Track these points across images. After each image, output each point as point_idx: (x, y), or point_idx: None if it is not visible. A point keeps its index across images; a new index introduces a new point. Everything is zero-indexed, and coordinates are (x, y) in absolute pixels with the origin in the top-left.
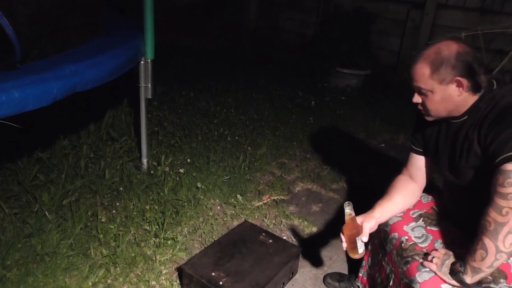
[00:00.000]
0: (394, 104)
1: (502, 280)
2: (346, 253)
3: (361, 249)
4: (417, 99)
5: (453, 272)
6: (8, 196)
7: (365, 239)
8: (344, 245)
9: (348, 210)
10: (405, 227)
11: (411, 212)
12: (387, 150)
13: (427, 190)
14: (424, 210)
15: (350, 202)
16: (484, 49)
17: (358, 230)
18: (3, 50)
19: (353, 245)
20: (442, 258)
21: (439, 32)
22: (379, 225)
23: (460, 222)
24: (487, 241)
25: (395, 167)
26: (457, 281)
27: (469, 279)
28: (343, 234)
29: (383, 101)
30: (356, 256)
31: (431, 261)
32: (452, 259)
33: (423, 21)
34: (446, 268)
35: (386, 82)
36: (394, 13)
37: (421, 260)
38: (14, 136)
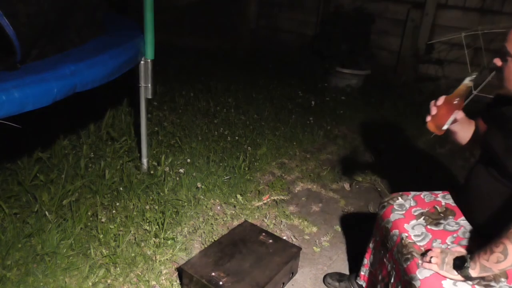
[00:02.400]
0: (394, 104)
1: (503, 279)
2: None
3: (446, 125)
4: (497, 62)
5: (459, 267)
6: (8, 196)
7: (460, 115)
8: (433, 111)
9: (469, 81)
10: (405, 225)
11: (412, 210)
12: (387, 150)
13: (437, 187)
14: (426, 209)
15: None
16: (484, 49)
17: (460, 104)
18: (3, 50)
19: (445, 116)
20: (440, 257)
21: (439, 32)
22: (381, 223)
23: (479, 220)
24: (510, 247)
25: (395, 167)
26: (463, 276)
27: (475, 274)
28: (439, 103)
29: (383, 101)
30: (437, 131)
31: (430, 261)
32: (450, 255)
33: (423, 21)
34: (448, 266)
35: (386, 82)
36: (394, 13)
37: (420, 259)
38: (14, 136)
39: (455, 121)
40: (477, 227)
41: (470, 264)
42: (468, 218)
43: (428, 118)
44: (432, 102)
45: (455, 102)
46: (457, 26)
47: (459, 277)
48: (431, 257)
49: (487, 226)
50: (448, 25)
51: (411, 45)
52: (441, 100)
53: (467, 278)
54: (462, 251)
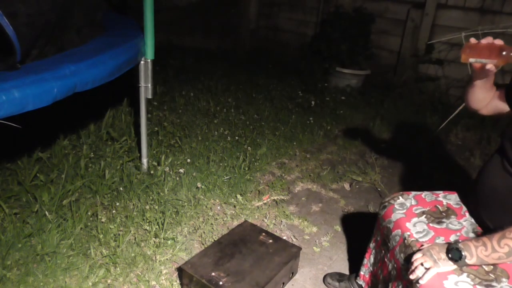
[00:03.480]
0: (394, 104)
1: (504, 280)
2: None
3: (474, 60)
4: None
5: (456, 260)
6: (8, 196)
7: (491, 68)
8: (484, 41)
9: None
10: (407, 224)
11: (413, 208)
12: (387, 150)
13: (437, 187)
14: (428, 208)
15: None
16: None
17: (505, 59)
18: (3, 50)
19: (484, 54)
20: (429, 258)
21: (439, 32)
22: (382, 223)
23: (488, 217)
24: None
25: (395, 167)
26: (459, 265)
27: (472, 263)
28: (496, 42)
29: (383, 101)
30: (465, 56)
31: (425, 267)
32: (435, 250)
33: (423, 21)
34: (442, 260)
35: (386, 82)
36: (394, 13)
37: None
38: (14, 136)
39: (483, 70)
40: (485, 224)
41: (466, 255)
42: (475, 216)
43: (473, 41)
44: (490, 37)
45: (504, 53)
46: (457, 26)
47: (454, 266)
48: (422, 263)
49: (497, 224)
50: (448, 25)
51: (411, 45)
52: (498, 41)
53: (464, 265)
54: (439, 243)
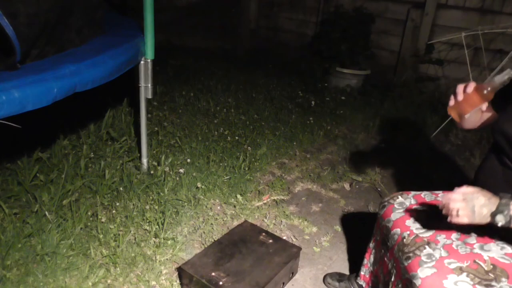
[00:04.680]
0: (394, 104)
1: (503, 279)
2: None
3: (469, 115)
4: None
5: (497, 223)
6: (8, 196)
7: (485, 106)
8: (460, 97)
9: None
10: (407, 221)
11: (413, 207)
12: (387, 150)
13: (437, 187)
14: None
15: None
16: (484, 49)
17: (490, 96)
18: (3, 50)
19: (472, 106)
20: (468, 207)
21: (439, 32)
22: (381, 222)
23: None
24: None
25: (395, 167)
26: (496, 226)
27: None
28: (469, 90)
29: (383, 101)
30: (458, 118)
31: (458, 215)
32: (483, 201)
33: (423, 21)
34: (481, 217)
35: (386, 82)
36: (394, 13)
37: (422, 255)
38: (14, 136)
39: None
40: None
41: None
42: None
43: (452, 103)
44: (461, 87)
45: (485, 92)
46: (457, 26)
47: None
48: (457, 210)
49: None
50: (448, 25)
51: (411, 45)
52: (471, 87)
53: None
54: (487, 193)
